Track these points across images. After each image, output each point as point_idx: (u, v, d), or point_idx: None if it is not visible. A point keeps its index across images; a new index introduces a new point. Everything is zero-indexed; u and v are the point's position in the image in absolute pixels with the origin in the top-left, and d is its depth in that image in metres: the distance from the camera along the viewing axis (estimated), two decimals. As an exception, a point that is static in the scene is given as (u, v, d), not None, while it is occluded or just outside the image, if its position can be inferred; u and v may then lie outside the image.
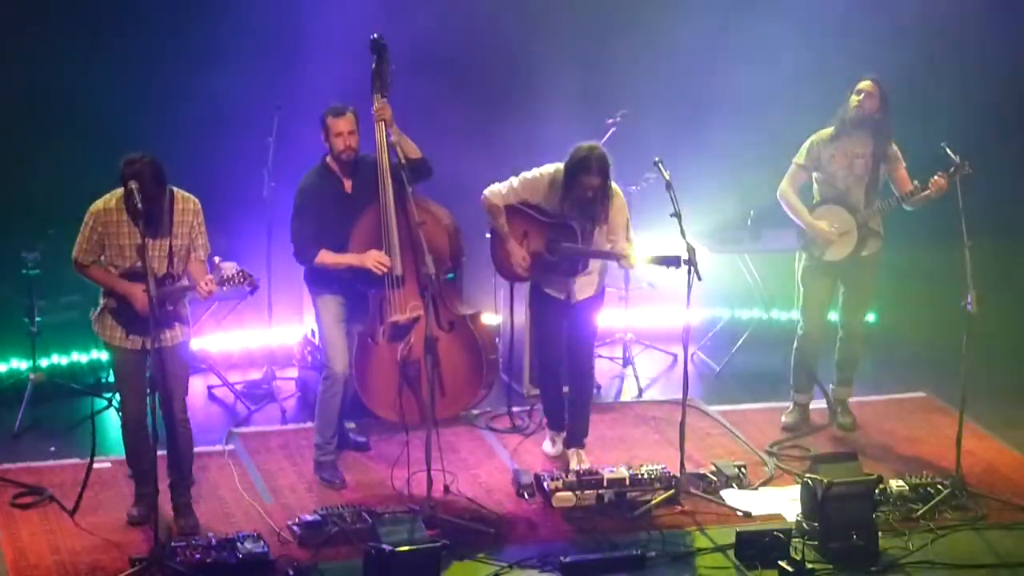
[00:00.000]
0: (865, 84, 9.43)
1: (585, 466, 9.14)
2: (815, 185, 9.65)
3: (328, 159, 8.89)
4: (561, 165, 8.87)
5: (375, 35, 8.94)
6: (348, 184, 8.91)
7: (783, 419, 9.91)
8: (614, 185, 8.90)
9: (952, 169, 9.03)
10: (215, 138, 10.27)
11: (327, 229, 8.84)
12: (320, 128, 8.83)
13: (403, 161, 8.85)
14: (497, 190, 9.02)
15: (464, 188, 9.33)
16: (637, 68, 11.02)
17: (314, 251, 8.83)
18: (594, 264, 9.02)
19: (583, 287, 9.07)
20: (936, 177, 9.18)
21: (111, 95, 10.18)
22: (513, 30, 10.89)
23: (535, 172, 9.01)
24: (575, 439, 9.35)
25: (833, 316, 10.03)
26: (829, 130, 9.54)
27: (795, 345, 9.92)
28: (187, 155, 9.94)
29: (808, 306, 9.78)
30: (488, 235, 9.28)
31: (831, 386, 9.97)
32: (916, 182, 9.35)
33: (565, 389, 9.43)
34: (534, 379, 9.89)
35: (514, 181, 9.02)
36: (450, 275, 9.22)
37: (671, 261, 8.68)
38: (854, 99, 9.43)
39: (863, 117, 9.42)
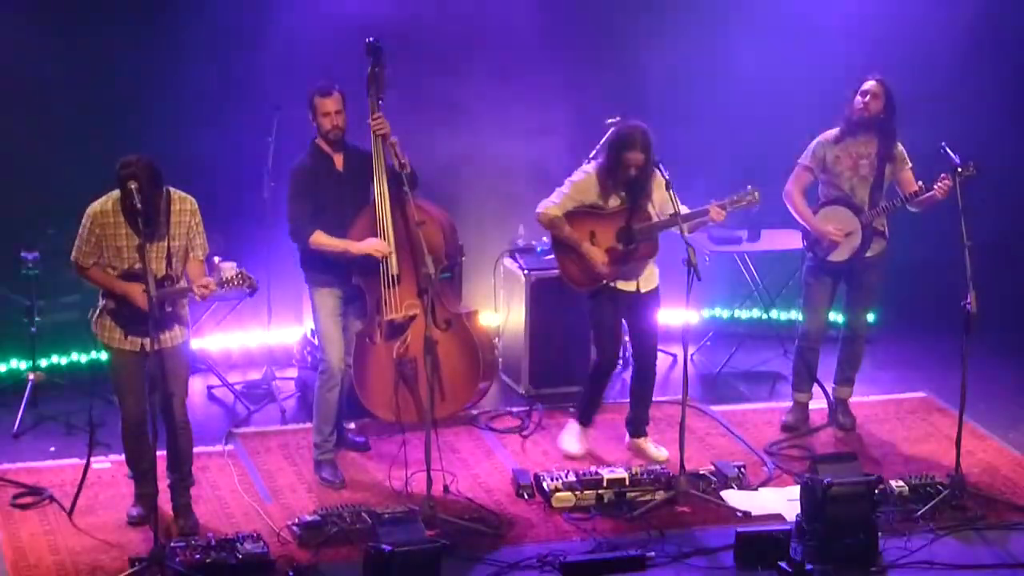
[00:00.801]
0: (870, 85, 9.38)
1: (663, 451, 9.29)
2: (820, 186, 9.61)
3: (317, 140, 8.93)
4: (594, 163, 9.02)
5: (370, 39, 8.96)
6: (339, 160, 8.95)
7: (784, 418, 9.90)
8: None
9: (959, 170, 8.99)
10: (215, 138, 10.26)
11: (322, 208, 8.87)
12: (308, 108, 8.87)
13: (403, 160, 8.86)
14: (550, 202, 9.08)
15: (464, 183, 9.34)
16: (636, 66, 11.00)
17: (310, 230, 8.85)
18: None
19: (649, 277, 9.16)
20: (942, 179, 9.11)
21: (111, 95, 10.19)
22: (512, 22, 10.88)
23: (580, 173, 9.10)
24: (642, 429, 9.43)
25: (833, 315, 10.03)
26: (834, 131, 9.50)
27: (796, 344, 9.91)
28: (187, 155, 9.95)
29: (810, 305, 9.75)
30: (551, 256, 9.33)
31: (832, 385, 9.96)
32: (921, 183, 9.31)
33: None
34: (589, 377, 9.50)
35: (564, 189, 9.08)
36: (445, 274, 9.23)
37: (747, 200, 8.97)
38: (859, 100, 9.38)
39: (868, 119, 9.39)
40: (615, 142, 8.93)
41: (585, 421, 9.45)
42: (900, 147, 9.45)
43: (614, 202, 9.03)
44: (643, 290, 9.16)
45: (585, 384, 9.50)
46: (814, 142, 9.56)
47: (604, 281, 9.12)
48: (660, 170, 8.87)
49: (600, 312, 9.24)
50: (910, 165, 9.45)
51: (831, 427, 9.89)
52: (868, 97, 9.36)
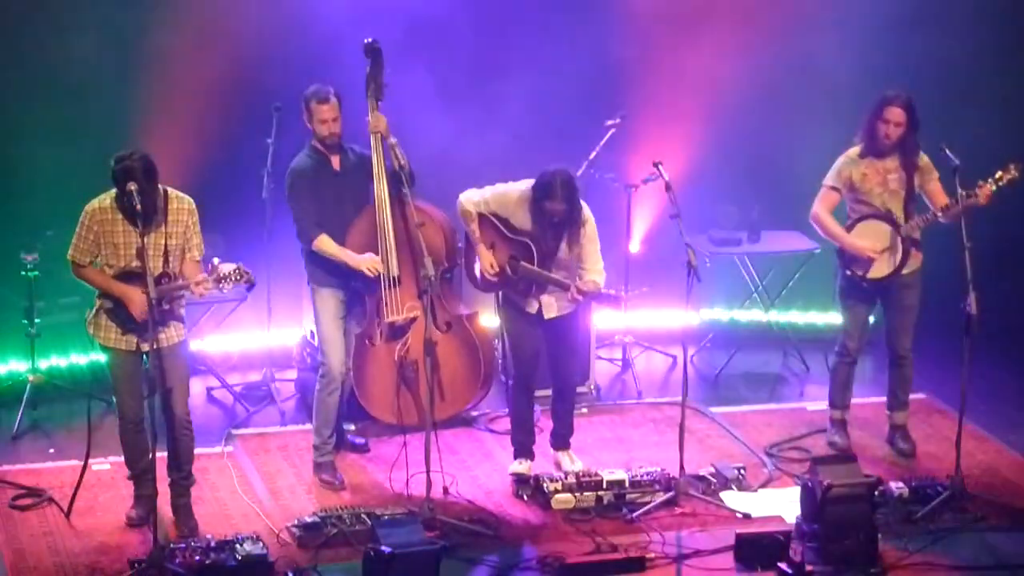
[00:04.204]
0: (894, 114, 9.04)
1: (578, 465, 9.14)
2: (850, 204, 9.30)
3: (314, 142, 8.96)
4: (532, 182, 8.76)
5: (368, 39, 8.96)
6: (336, 161, 8.97)
7: (829, 439, 9.60)
8: (586, 210, 8.79)
9: (998, 175, 8.83)
10: (214, 139, 10.26)
11: (323, 207, 8.89)
12: (303, 110, 8.88)
13: (402, 162, 8.87)
14: (470, 197, 8.96)
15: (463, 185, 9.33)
16: (637, 66, 11.00)
17: (316, 232, 8.85)
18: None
19: (551, 305, 8.94)
20: (980, 184, 8.85)
21: (111, 95, 10.19)
22: (515, 26, 10.87)
23: (507, 187, 8.92)
24: (563, 442, 9.31)
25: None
26: (857, 148, 9.22)
27: (834, 366, 9.59)
28: (187, 156, 9.97)
29: (853, 326, 9.40)
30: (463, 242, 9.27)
31: (886, 412, 9.63)
32: (962, 191, 8.90)
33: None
34: (508, 396, 9.41)
35: (487, 191, 8.95)
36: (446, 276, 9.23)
37: (610, 299, 8.67)
38: (882, 128, 9.07)
39: (891, 145, 9.11)
40: (536, 188, 8.67)
41: (525, 454, 9.23)
42: (925, 157, 9.14)
43: (524, 227, 8.82)
44: (547, 317, 8.96)
45: (509, 403, 9.35)
46: (839, 161, 9.25)
47: (489, 288, 9.00)
48: (661, 171, 8.85)
49: (510, 322, 9.10)
50: (937, 175, 9.13)
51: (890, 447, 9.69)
52: (891, 127, 9.06)
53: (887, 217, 9.18)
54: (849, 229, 9.26)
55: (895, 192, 9.18)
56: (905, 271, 9.24)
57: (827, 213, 9.29)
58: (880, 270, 9.24)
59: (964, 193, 8.89)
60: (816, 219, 9.32)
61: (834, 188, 9.26)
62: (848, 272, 9.31)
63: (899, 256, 9.19)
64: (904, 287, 9.30)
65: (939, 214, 9.07)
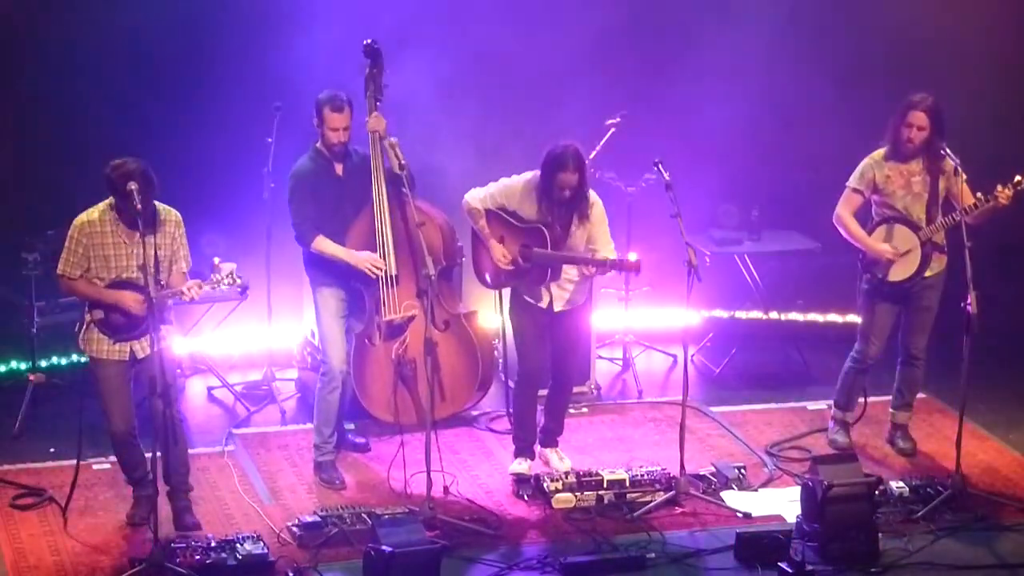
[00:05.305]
0: (916, 118, 9.01)
1: (566, 463, 9.15)
2: (873, 206, 9.27)
3: (319, 145, 8.98)
4: (537, 172, 8.81)
5: (368, 40, 8.98)
6: (339, 168, 9.01)
7: (831, 437, 9.63)
8: (592, 193, 8.85)
9: (1017, 179, 8.75)
10: (215, 138, 10.27)
11: (324, 210, 8.90)
12: (314, 113, 8.89)
13: (402, 162, 8.89)
14: (476, 194, 9.00)
15: (459, 186, 9.35)
16: (638, 67, 11.00)
17: (313, 234, 8.87)
18: (569, 272, 8.90)
19: (563, 297, 8.97)
20: (1000, 188, 8.81)
21: (111, 96, 10.19)
22: (515, 28, 10.88)
23: (512, 178, 8.96)
24: (552, 439, 9.31)
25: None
26: (881, 151, 9.18)
27: (848, 366, 9.54)
28: (187, 156, 9.97)
29: (869, 331, 9.37)
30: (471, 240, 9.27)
31: (890, 410, 9.67)
32: (980, 194, 8.92)
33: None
34: (514, 392, 9.36)
35: (492, 186, 8.99)
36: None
37: (629, 265, 8.69)
38: (905, 132, 9.04)
39: (916, 148, 9.07)
40: (547, 163, 8.72)
41: (526, 453, 9.22)
42: (951, 161, 9.03)
43: (532, 216, 8.87)
44: (557, 309, 8.99)
45: (512, 402, 9.36)
46: (863, 163, 9.21)
47: (505, 284, 9.02)
48: (661, 170, 8.86)
49: (518, 320, 9.10)
50: (964, 177, 9.02)
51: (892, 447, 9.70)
52: (914, 131, 9.02)
53: (908, 220, 9.16)
54: (871, 232, 9.23)
55: (918, 195, 9.15)
56: (928, 274, 9.22)
57: (849, 215, 9.26)
58: (901, 273, 9.22)
59: (984, 196, 8.89)
60: (839, 221, 9.30)
61: (856, 191, 9.24)
62: (869, 275, 9.29)
63: (919, 259, 9.16)
64: (925, 288, 9.27)
65: (966, 211, 8.94)
